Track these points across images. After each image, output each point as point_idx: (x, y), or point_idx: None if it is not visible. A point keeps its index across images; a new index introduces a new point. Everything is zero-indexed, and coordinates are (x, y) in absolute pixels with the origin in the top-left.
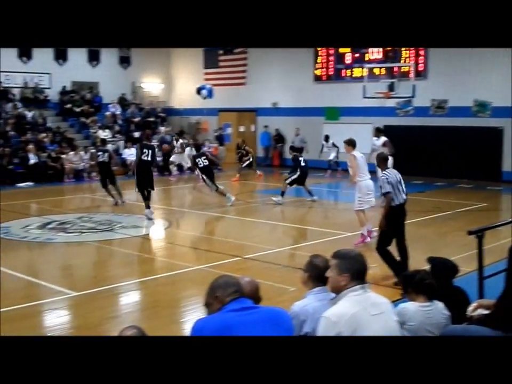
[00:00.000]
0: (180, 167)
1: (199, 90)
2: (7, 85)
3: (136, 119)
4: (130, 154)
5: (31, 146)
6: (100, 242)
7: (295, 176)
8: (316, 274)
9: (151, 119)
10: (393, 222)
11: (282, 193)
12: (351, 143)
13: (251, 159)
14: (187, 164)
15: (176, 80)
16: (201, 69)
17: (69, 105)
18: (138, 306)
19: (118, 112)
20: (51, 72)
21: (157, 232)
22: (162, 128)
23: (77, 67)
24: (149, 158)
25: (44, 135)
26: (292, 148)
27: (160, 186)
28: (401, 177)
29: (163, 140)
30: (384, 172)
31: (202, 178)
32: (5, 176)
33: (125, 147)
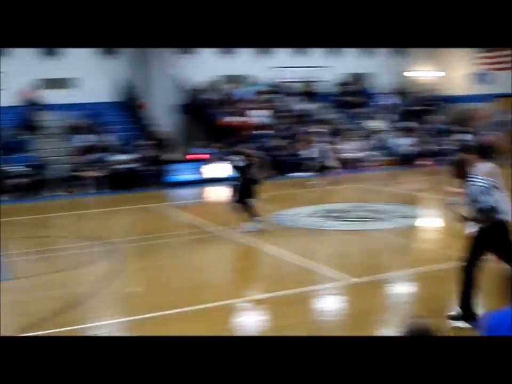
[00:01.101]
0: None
1: (474, 76)
2: (285, 80)
3: (410, 108)
4: (404, 143)
5: (310, 138)
6: (375, 231)
7: None
8: None
9: (425, 107)
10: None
11: None
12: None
13: None
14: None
15: (448, 67)
16: (474, 53)
17: (343, 97)
18: (411, 297)
19: (392, 102)
20: (326, 65)
21: (432, 222)
22: (436, 117)
23: (351, 59)
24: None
25: (322, 126)
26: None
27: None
28: None
29: (438, 129)
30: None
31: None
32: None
33: (400, 137)
